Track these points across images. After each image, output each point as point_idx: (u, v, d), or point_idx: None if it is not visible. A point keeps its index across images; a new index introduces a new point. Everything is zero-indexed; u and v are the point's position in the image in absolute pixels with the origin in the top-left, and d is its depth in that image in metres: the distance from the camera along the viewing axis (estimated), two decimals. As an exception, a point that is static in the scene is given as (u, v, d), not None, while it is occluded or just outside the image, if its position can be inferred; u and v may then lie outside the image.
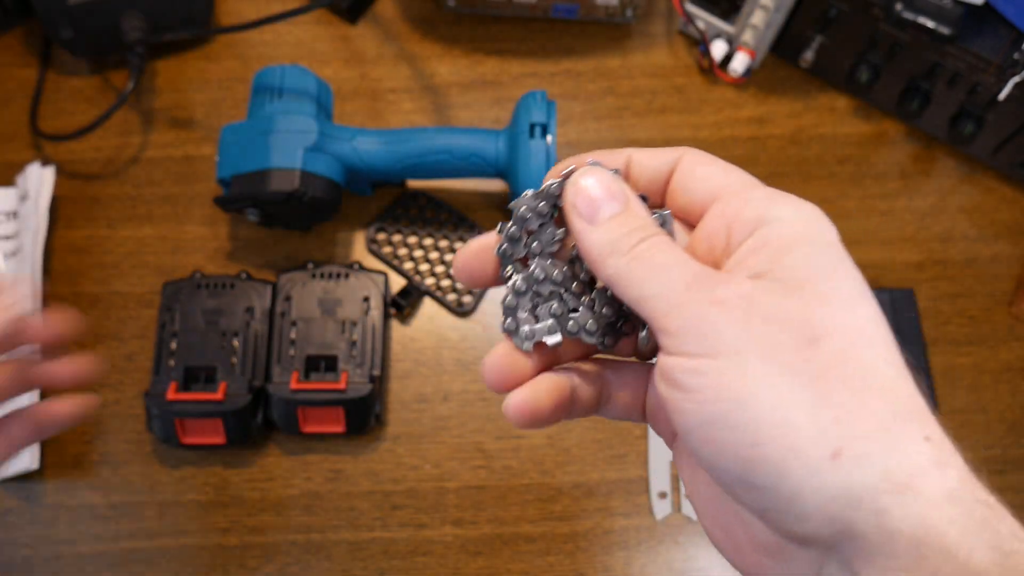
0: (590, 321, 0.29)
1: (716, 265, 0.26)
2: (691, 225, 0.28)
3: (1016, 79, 0.59)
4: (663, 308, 0.24)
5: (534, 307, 0.29)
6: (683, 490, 0.57)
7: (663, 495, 0.58)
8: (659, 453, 0.59)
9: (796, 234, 0.24)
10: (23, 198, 0.64)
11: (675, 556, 0.57)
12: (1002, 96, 0.61)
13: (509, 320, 0.29)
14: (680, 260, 0.25)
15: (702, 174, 0.27)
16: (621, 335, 0.30)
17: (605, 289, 0.29)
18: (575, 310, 0.29)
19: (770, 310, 0.23)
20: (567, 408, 0.29)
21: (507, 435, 0.59)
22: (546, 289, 0.29)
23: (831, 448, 0.21)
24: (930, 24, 0.59)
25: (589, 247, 0.26)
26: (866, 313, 0.23)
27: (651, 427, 0.31)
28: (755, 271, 0.24)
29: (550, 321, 0.29)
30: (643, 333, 0.29)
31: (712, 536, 0.27)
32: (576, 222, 0.26)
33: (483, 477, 0.58)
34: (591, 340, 0.29)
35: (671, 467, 0.58)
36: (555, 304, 0.29)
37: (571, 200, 0.27)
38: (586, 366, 0.30)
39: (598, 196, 0.26)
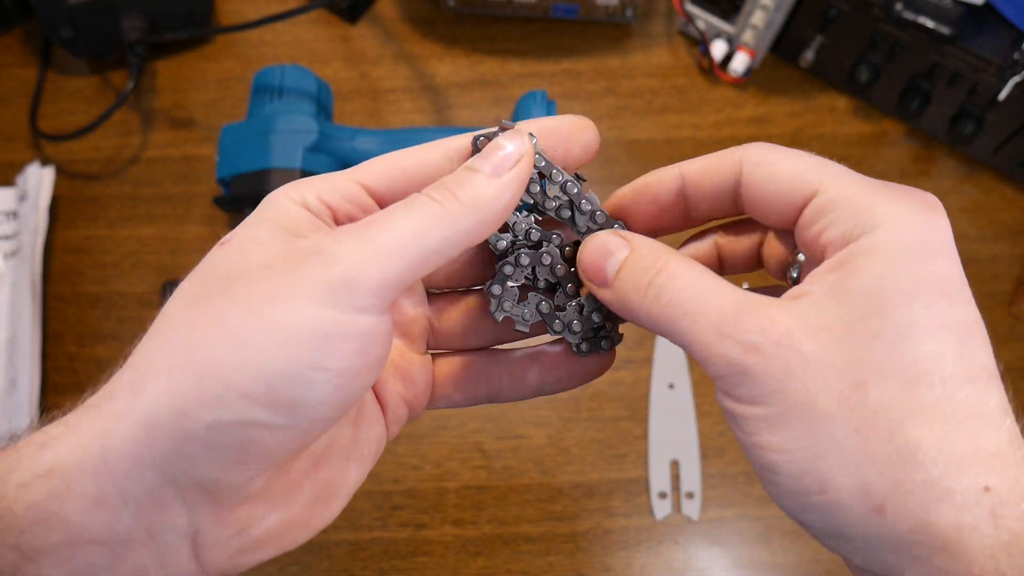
0: (575, 322, 0.29)
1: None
2: (785, 228, 0.26)
3: (1016, 79, 0.59)
4: (702, 357, 0.23)
5: (523, 287, 0.29)
6: (683, 489, 0.57)
7: (663, 495, 0.58)
8: (659, 453, 0.59)
9: (879, 251, 0.22)
10: (23, 198, 0.64)
11: (675, 556, 0.57)
12: (1002, 96, 0.61)
13: (496, 287, 0.28)
14: (705, 297, 0.23)
15: (772, 173, 0.25)
16: (598, 348, 0.30)
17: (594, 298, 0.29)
18: (560, 308, 0.29)
19: (814, 353, 0.21)
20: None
21: (507, 435, 0.59)
22: (543, 276, 0.29)
23: (873, 504, 0.21)
24: (930, 24, 0.59)
25: (615, 308, 0.26)
26: (935, 348, 0.21)
27: None
28: (827, 293, 0.22)
29: (531, 311, 0.29)
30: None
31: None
32: (595, 292, 0.26)
33: (483, 477, 0.58)
34: (572, 339, 0.29)
35: (671, 467, 0.58)
36: (543, 302, 0.29)
37: (586, 275, 0.27)
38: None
39: (597, 260, 0.26)
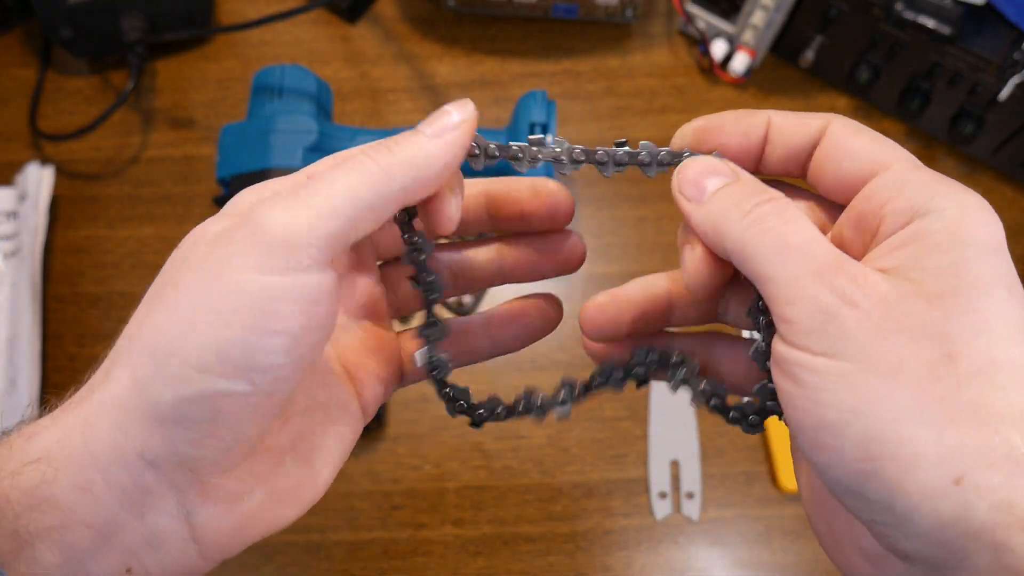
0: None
1: (863, 253, 0.24)
2: (841, 205, 0.25)
3: (1016, 79, 0.59)
4: (786, 295, 0.22)
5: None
6: (683, 489, 0.57)
7: (663, 495, 0.58)
8: (659, 453, 0.59)
9: (953, 232, 0.22)
10: (22, 198, 0.64)
11: (675, 556, 0.57)
12: (1002, 96, 0.61)
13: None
14: (809, 236, 0.22)
15: (854, 146, 0.25)
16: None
17: None
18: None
19: (908, 319, 0.21)
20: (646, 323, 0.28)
21: (507, 435, 0.59)
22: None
23: (953, 474, 0.20)
24: (930, 24, 0.59)
25: (700, 224, 0.24)
26: (1020, 335, 0.21)
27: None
28: (900, 268, 0.22)
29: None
30: (758, 343, 0.27)
31: (815, 527, 0.26)
32: (683, 205, 0.25)
33: (483, 477, 0.58)
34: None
35: (671, 467, 0.58)
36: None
37: (676, 187, 0.25)
38: (686, 339, 0.29)
39: (700, 175, 0.25)
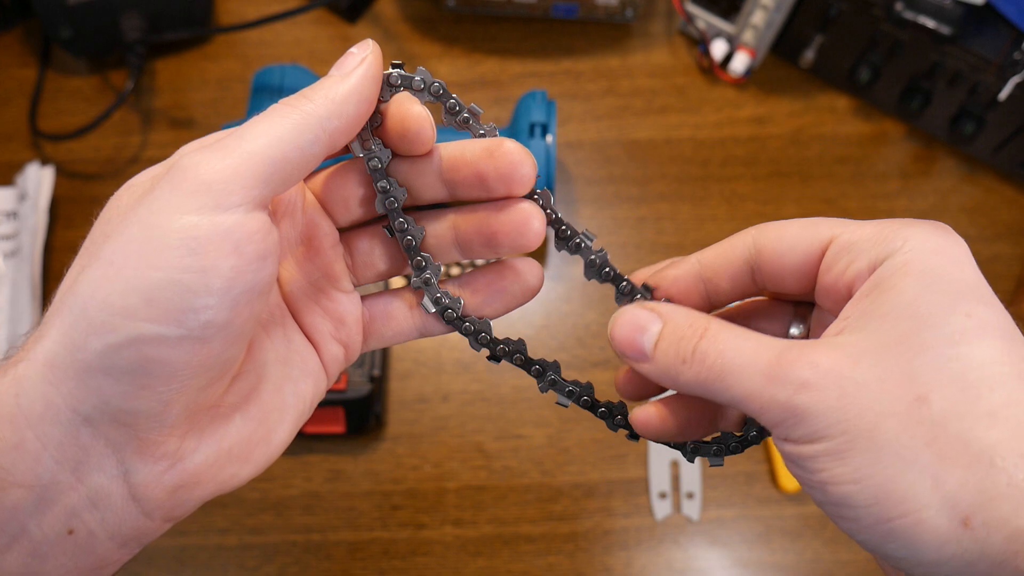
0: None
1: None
2: (803, 294, 0.27)
3: (1016, 79, 0.59)
4: (755, 408, 0.23)
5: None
6: (683, 490, 0.57)
7: (663, 495, 0.57)
8: (659, 453, 0.59)
9: (905, 272, 0.22)
10: (22, 198, 0.64)
11: (675, 556, 0.56)
12: (1002, 96, 0.61)
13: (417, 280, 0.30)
14: (746, 348, 0.23)
15: (788, 239, 0.26)
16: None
17: None
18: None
19: (865, 377, 0.21)
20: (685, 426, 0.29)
21: (507, 435, 0.59)
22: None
23: (959, 517, 0.20)
24: (930, 24, 0.59)
25: (658, 379, 0.26)
26: (986, 351, 0.21)
27: None
28: (861, 323, 0.22)
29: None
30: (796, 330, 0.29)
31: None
32: (634, 366, 0.26)
33: (483, 477, 0.58)
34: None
35: (671, 467, 0.58)
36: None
37: (620, 352, 0.27)
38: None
39: (632, 337, 0.26)
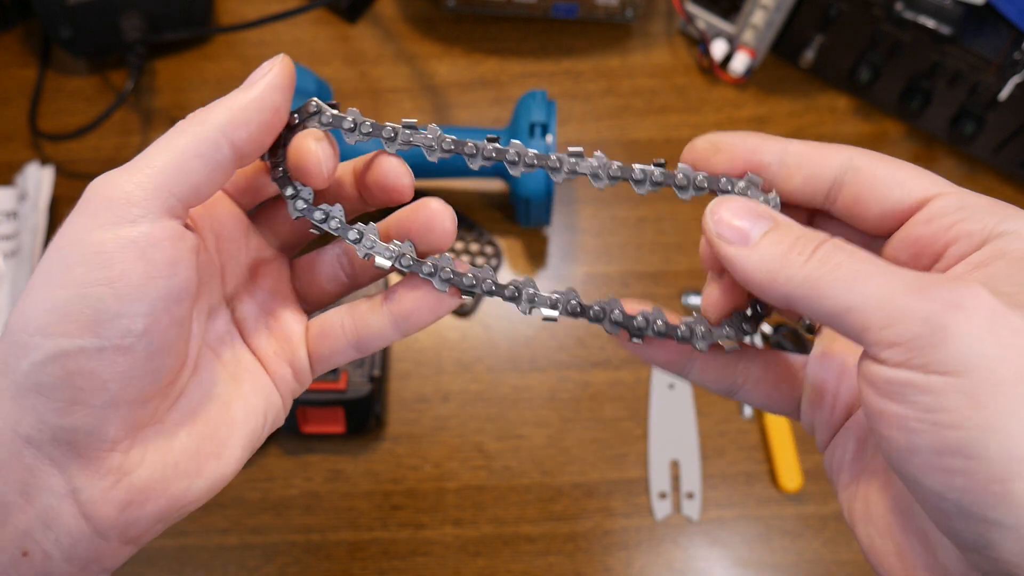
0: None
1: None
2: (879, 236, 0.25)
3: (1016, 79, 0.59)
4: (880, 318, 0.20)
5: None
6: (683, 489, 0.57)
7: (663, 495, 0.58)
8: (659, 453, 0.59)
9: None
10: (22, 198, 0.64)
11: (675, 556, 0.57)
12: (1002, 96, 0.61)
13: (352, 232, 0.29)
14: (880, 263, 0.21)
15: (900, 177, 0.25)
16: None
17: None
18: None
19: (1020, 324, 0.20)
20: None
21: (507, 435, 0.59)
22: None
23: None
24: (930, 24, 0.59)
25: (752, 270, 0.23)
26: None
27: (806, 424, 0.28)
28: (989, 283, 0.21)
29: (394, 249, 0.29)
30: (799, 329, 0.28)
31: (877, 558, 0.24)
32: (726, 249, 0.24)
33: (483, 477, 0.58)
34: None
35: (671, 467, 0.58)
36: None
37: (714, 231, 0.24)
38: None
39: (739, 217, 0.24)
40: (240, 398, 0.27)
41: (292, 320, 0.30)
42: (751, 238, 0.24)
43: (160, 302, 0.23)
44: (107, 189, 0.23)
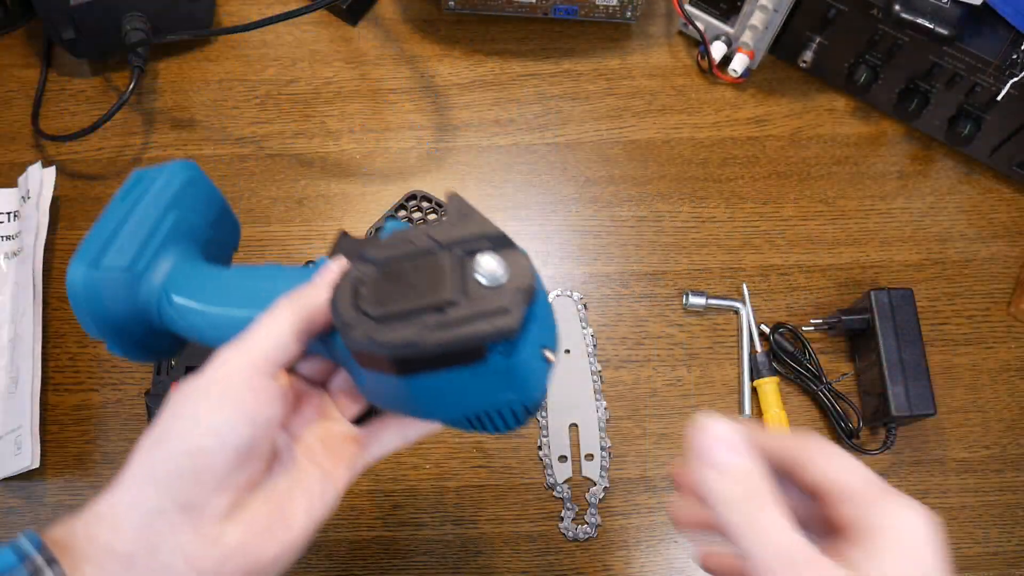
0: None
1: (823, 529, 0.31)
2: (812, 495, 0.31)
3: (1015, 79, 0.59)
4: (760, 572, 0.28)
5: None
6: (583, 452, 0.58)
7: (563, 459, 0.58)
8: (558, 418, 0.59)
9: (901, 545, 0.29)
10: (25, 198, 0.64)
11: (675, 555, 0.57)
12: (1001, 96, 0.61)
13: None
14: (787, 533, 0.28)
15: (834, 468, 0.31)
16: None
17: None
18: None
19: None
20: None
21: (507, 435, 0.60)
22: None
23: None
24: (929, 25, 0.59)
25: (714, 493, 0.29)
26: None
27: None
28: (856, 562, 0.28)
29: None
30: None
31: None
32: (703, 467, 0.30)
33: (483, 477, 0.59)
34: None
35: (570, 431, 0.58)
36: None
37: (700, 444, 0.30)
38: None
39: (724, 447, 0.30)
40: (300, 486, 0.34)
41: (334, 426, 0.37)
42: (725, 465, 0.30)
43: (264, 425, 0.31)
44: (211, 370, 0.32)
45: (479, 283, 0.29)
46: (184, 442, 0.30)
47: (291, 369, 0.35)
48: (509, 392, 0.30)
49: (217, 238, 0.41)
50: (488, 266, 0.29)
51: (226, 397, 0.31)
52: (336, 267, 0.33)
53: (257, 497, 0.32)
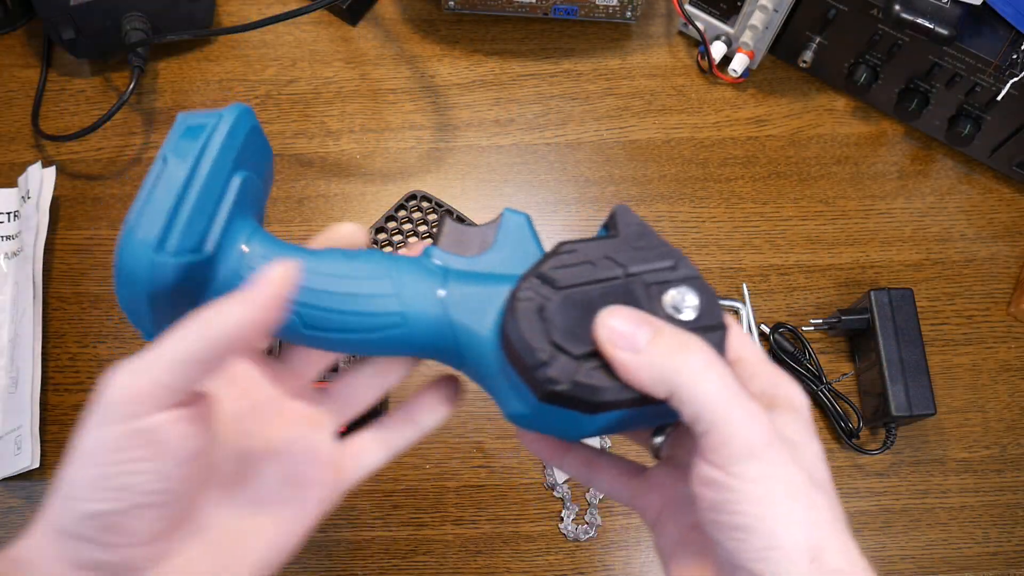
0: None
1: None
2: None
3: (1014, 79, 0.60)
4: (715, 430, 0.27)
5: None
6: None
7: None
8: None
9: (798, 415, 0.30)
10: (25, 198, 0.64)
11: (675, 555, 0.57)
12: (1001, 96, 0.61)
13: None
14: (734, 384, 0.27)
15: (735, 343, 0.31)
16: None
17: None
18: None
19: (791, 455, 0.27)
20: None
21: (507, 435, 0.60)
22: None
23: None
24: (929, 25, 0.59)
25: (640, 371, 0.27)
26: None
27: (635, 508, 0.35)
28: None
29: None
30: (659, 439, 0.30)
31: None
32: (619, 355, 0.27)
33: (483, 477, 0.59)
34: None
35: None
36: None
37: (606, 338, 0.27)
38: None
39: (630, 328, 0.27)
40: (253, 522, 0.31)
41: (329, 448, 0.34)
42: (639, 344, 0.27)
43: (174, 469, 0.27)
44: (107, 391, 0.26)
45: (671, 318, 0.28)
46: (81, 500, 0.27)
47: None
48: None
49: (263, 200, 0.35)
50: (689, 302, 0.28)
51: (116, 450, 0.27)
52: (278, 277, 0.28)
53: (194, 541, 0.29)
